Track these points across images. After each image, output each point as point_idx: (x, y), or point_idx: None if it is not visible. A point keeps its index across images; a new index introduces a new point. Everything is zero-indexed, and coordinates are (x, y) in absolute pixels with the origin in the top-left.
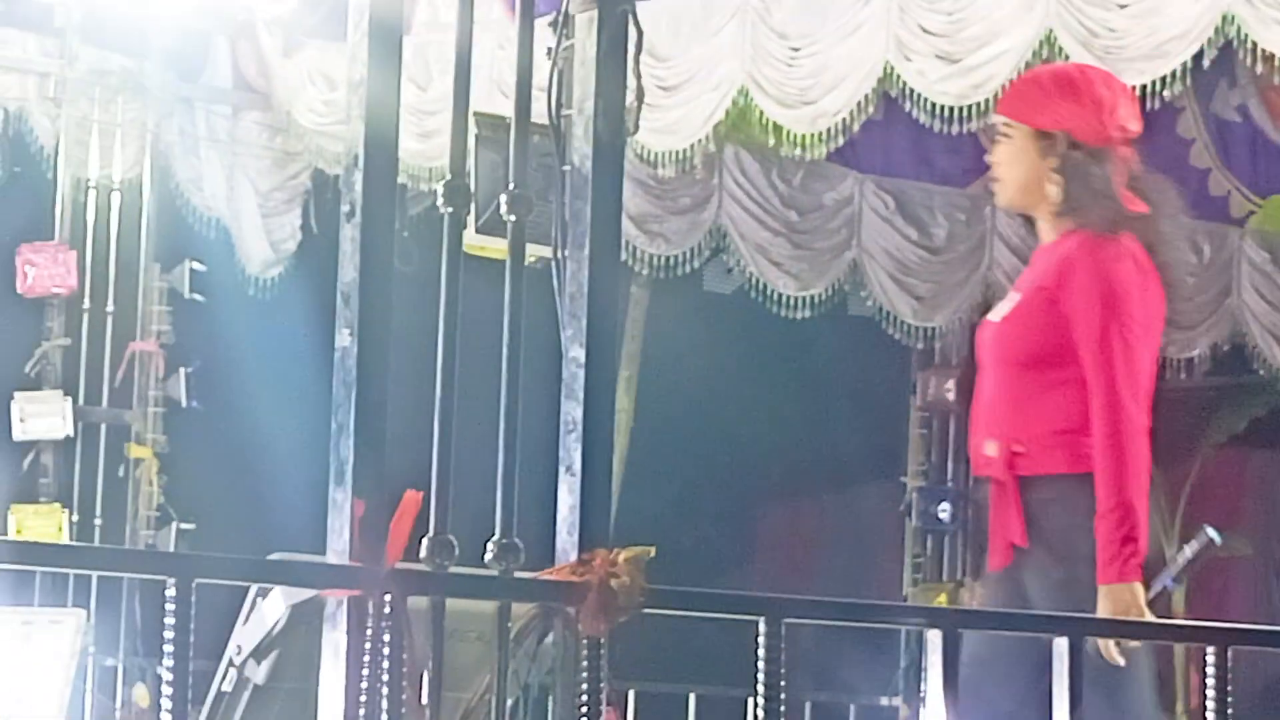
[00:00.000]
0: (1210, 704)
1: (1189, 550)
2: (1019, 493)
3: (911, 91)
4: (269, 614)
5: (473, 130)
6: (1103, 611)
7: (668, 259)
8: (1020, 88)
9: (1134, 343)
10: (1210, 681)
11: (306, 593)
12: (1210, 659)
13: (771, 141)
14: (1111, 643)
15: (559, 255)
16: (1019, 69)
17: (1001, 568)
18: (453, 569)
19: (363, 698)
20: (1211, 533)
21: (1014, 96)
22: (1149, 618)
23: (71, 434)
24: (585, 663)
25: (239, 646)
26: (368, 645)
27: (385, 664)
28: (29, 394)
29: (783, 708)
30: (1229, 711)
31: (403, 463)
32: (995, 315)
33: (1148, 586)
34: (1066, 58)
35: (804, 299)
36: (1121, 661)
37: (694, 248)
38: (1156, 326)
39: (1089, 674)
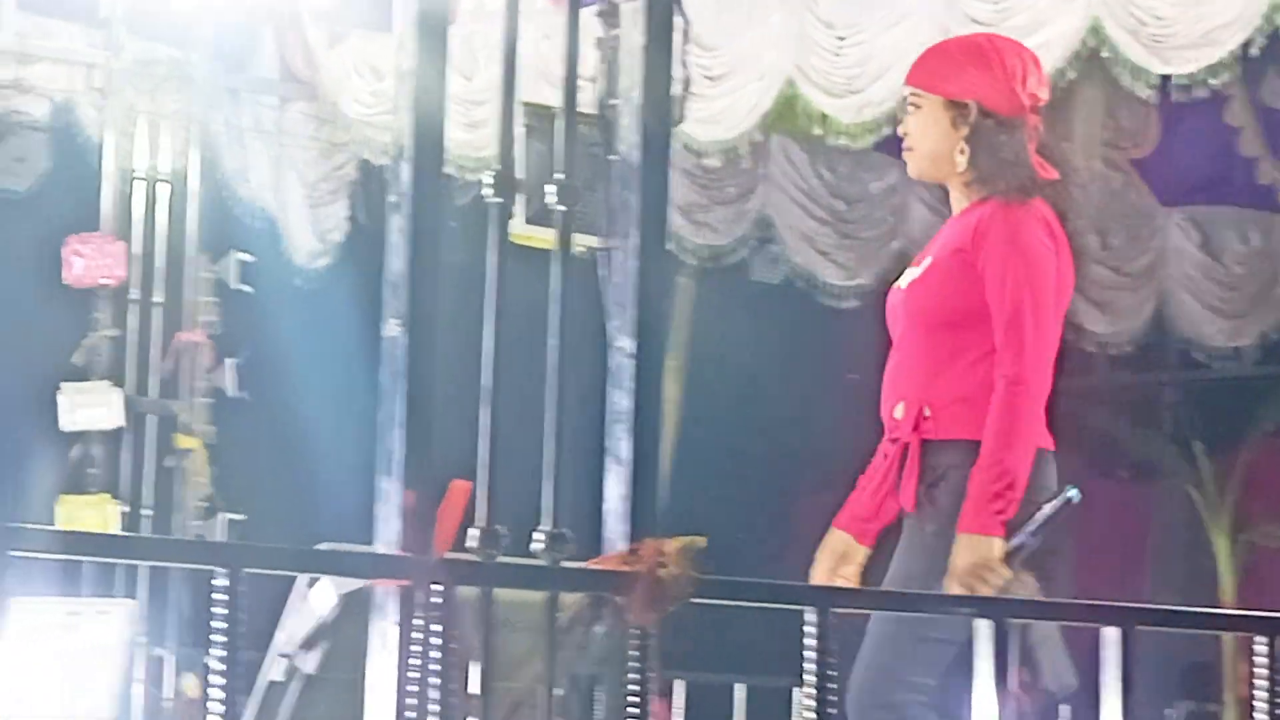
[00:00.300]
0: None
1: (1048, 508)
2: (920, 456)
3: None
4: (318, 604)
5: (519, 120)
6: (958, 559)
7: (714, 248)
8: (930, 58)
9: (1043, 308)
10: (1261, 671)
11: (356, 583)
12: (1260, 649)
13: (818, 131)
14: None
15: (606, 245)
16: (1066, 58)
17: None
18: (501, 559)
19: (412, 687)
20: (1072, 492)
21: (924, 66)
22: (1002, 573)
23: (120, 425)
24: (634, 653)
25: (288, 636)
26: (417, 635)
27: (435, 654)
28: (77, 385)
29: (832, 697)
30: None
31: (450, 452)
32: (903, 282)
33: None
34: (1114, 46)
35: (850, 288)
36: (988, 590)
37: (741, 237)
38: (1066, 292)
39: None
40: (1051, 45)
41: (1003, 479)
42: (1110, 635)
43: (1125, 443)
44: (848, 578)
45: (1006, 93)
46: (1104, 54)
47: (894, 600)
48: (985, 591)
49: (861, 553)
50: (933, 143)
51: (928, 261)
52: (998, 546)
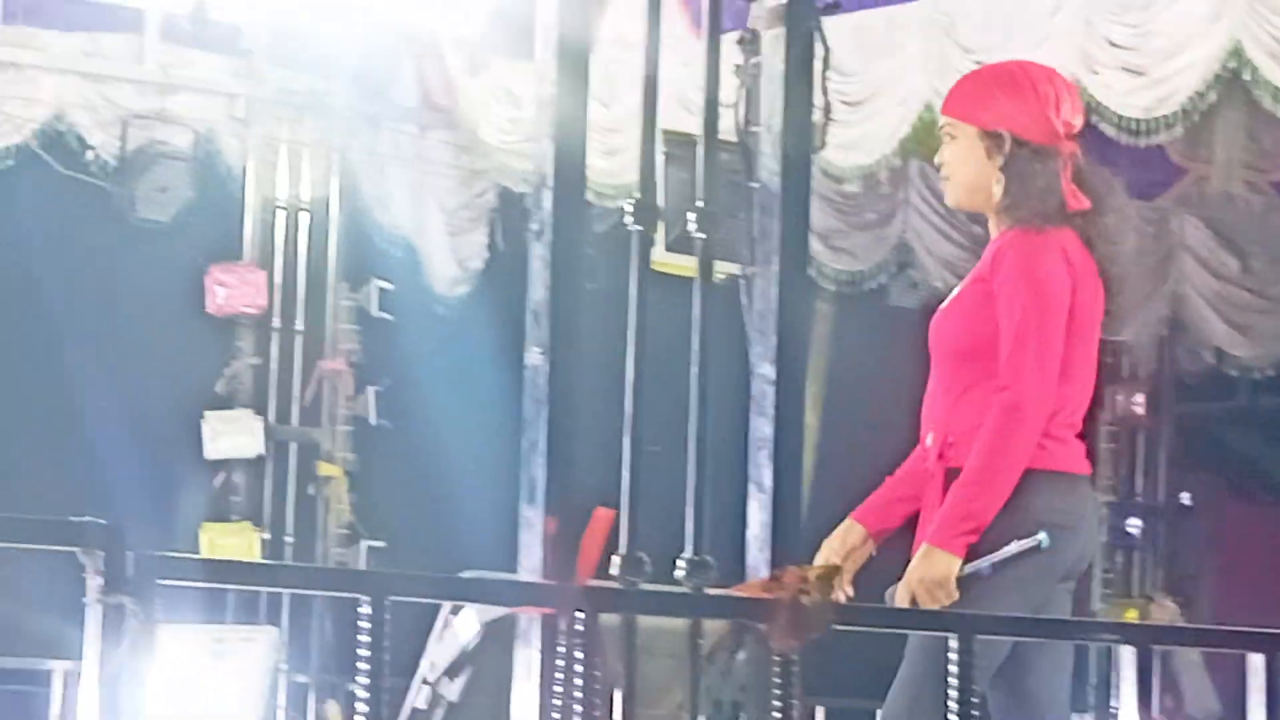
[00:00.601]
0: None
1: (1014, 547)
2: (945, 484)
3: (1098, 104)
4: (462, 631)
5: (660, 148)
6: (915, 568)
7: (853, 274)
8: (963, 87)
9: (1049, 336)
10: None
11: (499, 610)
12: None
13: None
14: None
15: (747, 272)
16: (1206, 81)
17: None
18: (644, 585)
19: (556, 715)
20: (1041, 536)
21: (958, 96)
22: (952, 594)
23: (262, 452)
24: (776, 679)
25: (432, 664)
26: (560, 662)
27: (577, 681)
28: (220, 413)
29: None
30: None
31: (593, 480)
32: (943, 306)
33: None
34: (1254, 69)
35: None
36: (932, 604)
37: (879, 262)
38: (1092, 321)
39: None
40: (1192, 68)
41: (978, 501)
42: (1255, 661)
43: (1268, 466)
44: (846, 570)
45: (1040, 121)
46: (1244, 76)
47: (1037, 627)
48: (930, 605)
49: (867, 552)
50: (970, 173)
51: (957, 289)
52: (954, 568)
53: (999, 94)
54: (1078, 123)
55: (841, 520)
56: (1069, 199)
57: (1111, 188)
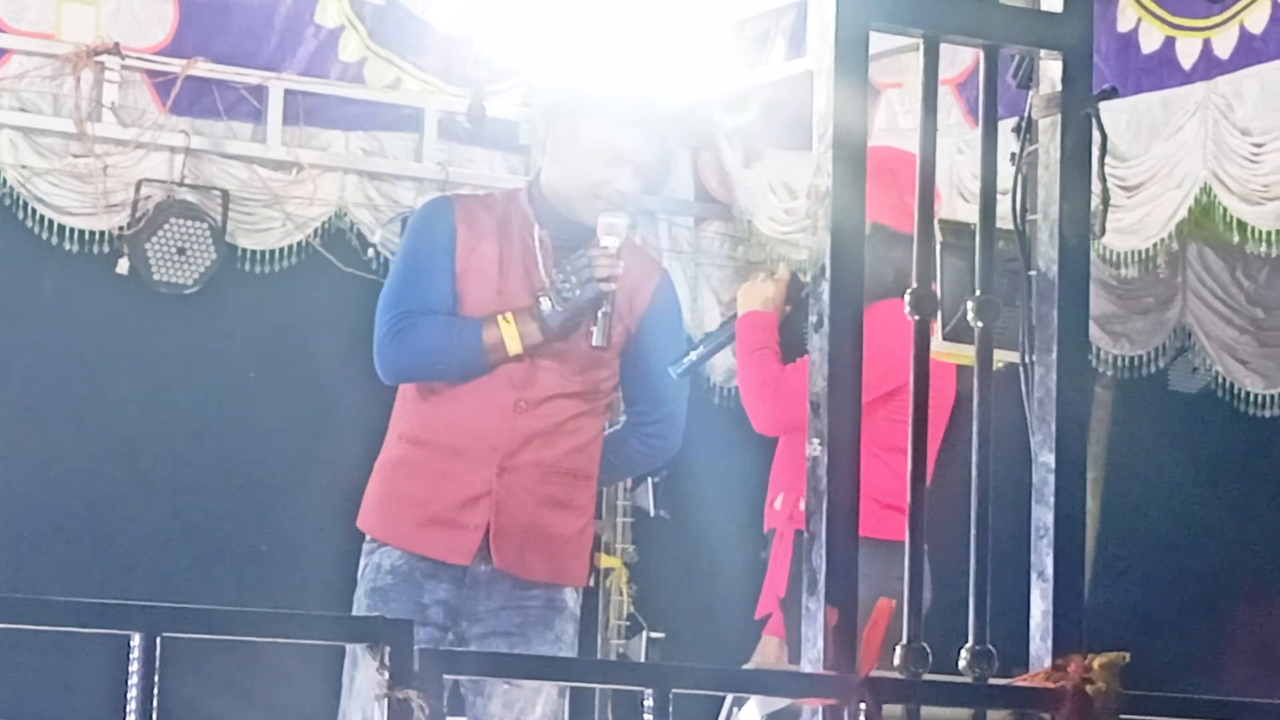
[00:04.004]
0: None
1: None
2: (794, 546)
3: None
4: None
5: (937, 237)
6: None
7: (1132, 359)
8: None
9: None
10: None
11: (781, 702)
12: None
13: (1236, 239)
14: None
15: (1026, 360)
16: None
17: (762, 616)
18: (926, 676)
19: None
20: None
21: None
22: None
23: None
24: None
25: None
26: None
27: None
28: None
29: None
30: None
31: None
32: None
33: None
34: None
35: (1272, 397)
36: None
37: (1158, 347)
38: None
39: None
40: None
41: None
42: None
43: None
44: None
45: (896, 206)
46: None
47: None
48: None
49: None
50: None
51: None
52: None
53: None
54: (940, 209)
55: (1123, 606)
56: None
57: None
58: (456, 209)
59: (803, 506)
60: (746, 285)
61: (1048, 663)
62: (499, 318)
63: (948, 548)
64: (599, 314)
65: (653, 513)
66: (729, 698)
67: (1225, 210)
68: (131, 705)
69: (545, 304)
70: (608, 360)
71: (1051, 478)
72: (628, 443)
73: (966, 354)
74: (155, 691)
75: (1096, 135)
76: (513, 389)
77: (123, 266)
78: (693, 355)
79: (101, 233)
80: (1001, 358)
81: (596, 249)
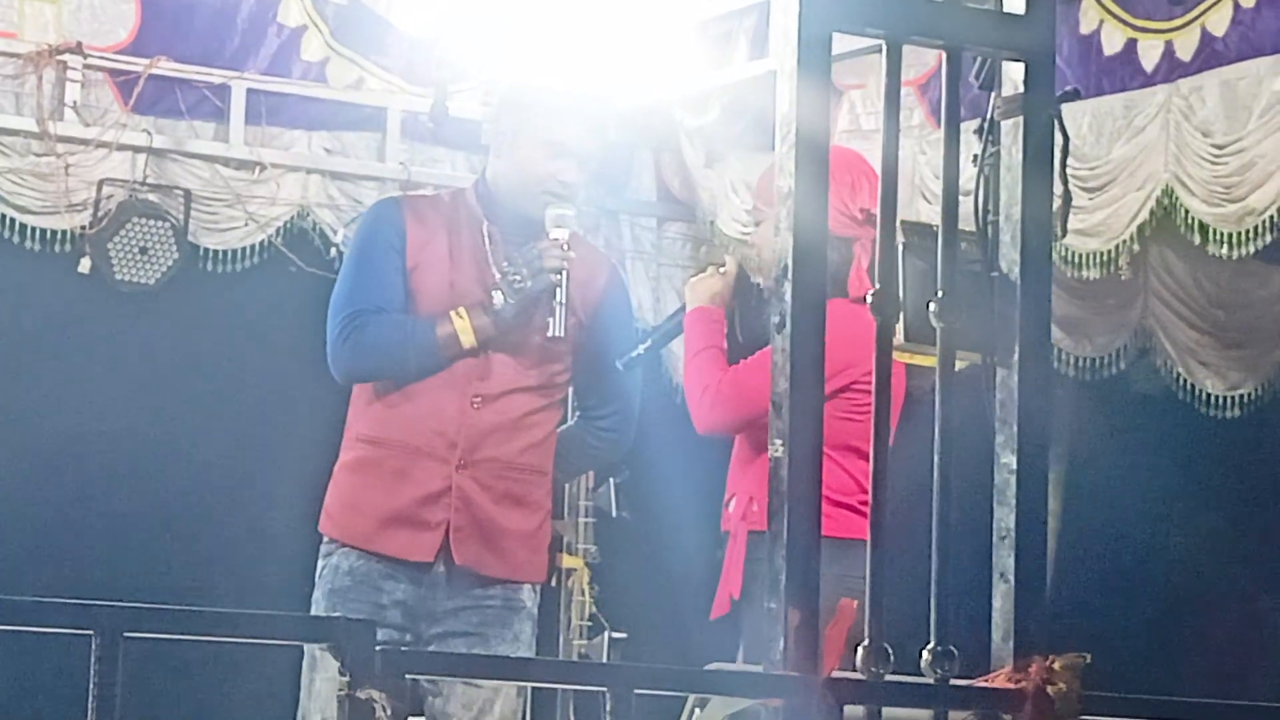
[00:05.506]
0: None
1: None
2: (746, 546)
3: None
4: None
5: (899, 238)
6: None
7: (1093, 360)
8: (769, 175)
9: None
10: None
11: (742, 702)
12: None
13: (1197, 240)
14: None
15: (988, 361)
16: None
17: (717, 617)
18: (888, 677)
19: None
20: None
21: (764, 183)
22: None
23: None
24: None
25: None
26: None
27: None
28: None
29: None
30: None
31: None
32: None
33: None
34: None
35: (1233, 398)
36: None
37: (1120, 349)
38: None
39: None
40: None
41: None
42: None
43: None
44: None
45: (838, 208)
46: None
47: None
48: None
49: None
50: (769, 256)
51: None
52: None
53: None
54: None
55: (1084, 607)
56: (852, 286)
57: None
58: (405, 207)
59: (755, 508)
60: (694, 279)
61: (1009, 664)
62: (451, 313)
63: (897, 546)
64: (554, 304)
65: (614, 513)
66: (690, 697)
67: (1187, 212)
68: (92, 704)
69: (497, 297)
70: (561, 354)
71: (1013, 479)
72: (580, 439)
73: (928, 355)
74: (117, 691)
75: (1059, 137)
76: (469, 384)
77: (85, 266)
78: (640, 348)
79: (63, 232)
80: (963, 359)
81: (546, 240)
